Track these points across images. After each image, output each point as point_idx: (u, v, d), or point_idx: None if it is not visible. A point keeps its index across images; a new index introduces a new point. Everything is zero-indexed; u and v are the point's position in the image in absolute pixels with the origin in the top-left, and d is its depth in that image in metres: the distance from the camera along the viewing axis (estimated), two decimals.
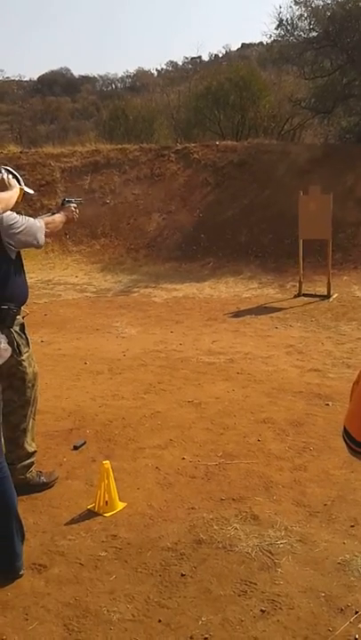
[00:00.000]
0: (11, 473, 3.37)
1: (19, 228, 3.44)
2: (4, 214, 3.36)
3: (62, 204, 4.12)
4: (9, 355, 3.22)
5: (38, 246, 3.64)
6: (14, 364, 3.56)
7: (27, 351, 3.65)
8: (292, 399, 5.34)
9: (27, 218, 3.56)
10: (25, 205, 14.70)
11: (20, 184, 3.62)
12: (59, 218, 3.95)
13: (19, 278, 3.56)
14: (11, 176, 3.55)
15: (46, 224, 3.70)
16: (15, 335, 3.56)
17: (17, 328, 3.59)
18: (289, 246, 11.89)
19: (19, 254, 3.55)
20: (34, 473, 3.78)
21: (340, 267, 11.15)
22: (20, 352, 3.58)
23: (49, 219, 3.84)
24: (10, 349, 3.25)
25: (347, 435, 1.49)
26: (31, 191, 3.84)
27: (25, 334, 3.67)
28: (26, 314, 3.75)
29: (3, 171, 3.55)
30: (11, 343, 3.51)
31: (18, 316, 3.59)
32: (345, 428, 1.50)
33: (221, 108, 19.07)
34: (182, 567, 2.99)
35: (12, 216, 3.42)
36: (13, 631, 2.60)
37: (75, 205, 4.15)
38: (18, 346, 3.57)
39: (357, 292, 10.12)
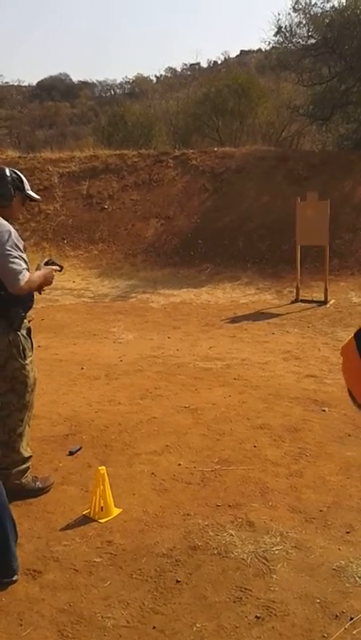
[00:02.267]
0: (6, 478, 3.38)
1: (7, 255, 3.37)
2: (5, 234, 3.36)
3: (46, 263, 3.83)
4: None
5: (10, 289, 3.40)
6: (18, 368, 3.57)
7: (30, 355, 3.66)
8: (288, 405, 5.34)
9: (21, 258, 3.44)
10: (23, 210, 14.72)
11: (25, 188, 3.64)
12: (37, 278, 3.58)
13: None
14: (14, 176, 3.57)
15: (29, 281, 3.46)
16: (21, 338, 3.57)
17: (24, 332, 3.60)
18: (286, 252, 11.92)
19: (25, 261, 3.55)
20: (29, 478, 3.78)
21: (337, 273, 11.17)
22: (24, 356, 3.59)
23: (33, 277, 3.53)
24: None
25: (351, 395, 1.64)
26: (37, 197, 3.85)
27: (30, 338, 3.68)
28: (31, 318, 3.77)
29: (7, 172, 3.56)
30: (16, 346, 3.52)
31: (25, 320, 3.61)
32: (349, 390, 1.66)
33: (220, 115, 19.13)
34: (177, 573, 2.98)
35: (9, 240, 3.40)
36: (8, 637, 2.59)
37: (57, 269, 3.87)
38: (23, 350, 3.58)
39: (354, 297, 10.13)
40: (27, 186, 3.66)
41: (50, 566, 3.06)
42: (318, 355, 7.00)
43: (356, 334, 1.56)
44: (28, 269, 3.45)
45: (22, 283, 3.37)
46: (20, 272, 3.37)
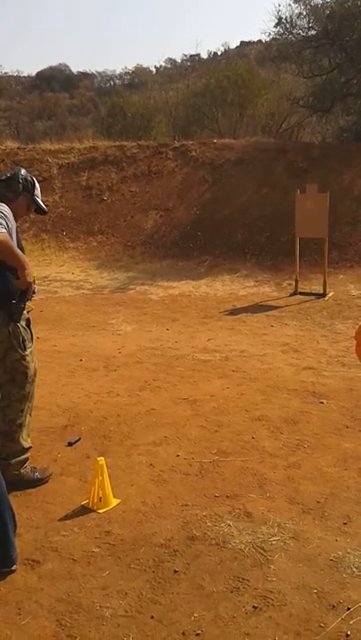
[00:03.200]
0: (5, 468, 3.39)
1: None
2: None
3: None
4: None
5: None
6: (18, 359, 3.58)
7: (30, 346, 3.67)
8: (286, 397, 5.35)
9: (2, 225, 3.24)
10: (27, 214, 14.68)
11: (34, 193, 3.68)
12: (20, 254, 3.37)
13: None
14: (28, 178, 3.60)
15: (5, 240, 3.19)
16: (21, 330, 3.58)
17: (23, 323, 3.61)
18: (285, 245, 11.92)
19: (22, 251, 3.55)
20: (28, 469, 3.79)
21: (336, 265, 11.17)
22: (24, 347, 3.60)
23: (13, 244, 3.30)
24: None
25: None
26: (44, 207, 3.86)
27: (30, 329, 3.69)
28: (31, 309, 3.77)
29: (23, 173, 3.60)
30: (16, 337, 3.53)
31: (24, 311, 3.62)
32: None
33: (219, 106, 19.10)
34: (175, 563, 2.99)
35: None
36: (6, 626, 2.60)
37: (34, 289, 3.58)
38: (23, 341, 3.59)
39: (353, 290, 10.14)
40: (37, 192, 3.71)
41: (48, 556, 3.08)
42: (317, 347, 7.01)
43: None
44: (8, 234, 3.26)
45: None
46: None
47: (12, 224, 3.42)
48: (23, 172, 3.66)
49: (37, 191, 3.72)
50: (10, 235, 3.31)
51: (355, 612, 2.63)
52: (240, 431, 4.61)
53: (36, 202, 3.73)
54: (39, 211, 3.82)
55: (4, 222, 3.26)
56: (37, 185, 3.73)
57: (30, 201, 3.68)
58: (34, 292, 3.58)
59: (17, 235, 3.54)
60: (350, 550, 3.07)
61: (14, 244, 3.32)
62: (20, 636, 2.55)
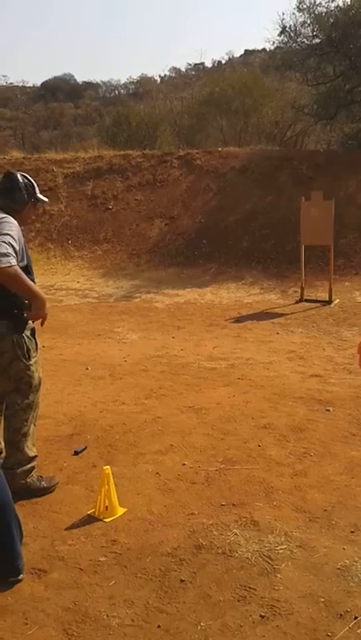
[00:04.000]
0: (11, 477, 3.39)
1: (5, 234, 3.26)
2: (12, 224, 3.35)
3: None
4: None
5: None
6: (22, 368, 3.58)
7: (35, 356, 3.68)
8: (293, 405, 5.34)
9: (12, 246, 3.24)
10: (33, 215, 14.74)
11: (36, 193, 3.67)
12: (32, 285, 3.38)
13: None
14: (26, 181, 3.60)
15: (18, 273, 3.22)
16: (26, 339, 3.59)
17: (28, 332, 3.61)
18: (291, 252, 11.92)
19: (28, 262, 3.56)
20: (34, 478, 3.79)
21: (341, 272, 11.17)
22: (29, 357, 3.60)
23: (25, 277, 3.31)
24: None
25: None
26: (45, 199, 3.87)
27: (35, 339, 3.69)
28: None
29: (20, 178, 3.60)
30: (21, 347, 3.53)
31: (29, 321, 3.61)
32: None
33: (224, 115, 19.15)
34: (182, 572, 2.98)
35: (14, 229, 3.37)
36: (13, 636, 2.60)
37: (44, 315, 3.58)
38: (27, 350, 3.59)
39: (359, 297, 10.13)
40: (37, 190, 3.70)
41: (55, 565, 3.07)
42: (323, 354, 7.00)
43: None
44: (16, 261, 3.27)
45: (4, 264, 3.15)
46: (7, 255, 3.18)
47: (22, 241, 3.43)
48: (19, 176, 3.59)
49: (36, 188, 3.69)
50: (19, 255, 3.33)
51: None
52: (246, 439, 4.60)
53: (40, 199, 3.71)
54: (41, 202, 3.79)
55: (11, 251, 3.20)
56: (33, 181, 3.68)
57: (35, 202, 3.67)
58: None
59: (26, 250, 3.54)
60: (358, 559, 3.05)
61: (25, 277, 3.29)
62: None
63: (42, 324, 3.61)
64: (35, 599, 2.82)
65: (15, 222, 3.41)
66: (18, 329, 3.54)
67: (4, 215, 3.38)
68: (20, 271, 3.24)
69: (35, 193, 3.65)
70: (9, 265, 3.15)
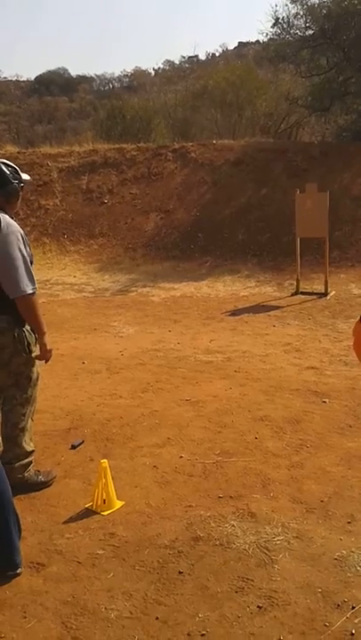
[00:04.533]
0: (9, 472, 3.38)
1: (10, 247, 3.34)
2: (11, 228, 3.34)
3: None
4: None
5: (14, 291, 3.37)
6: (23, 363, 3.59)
7: (35, 350, 3.68)
8: (289, 397, 5.35)
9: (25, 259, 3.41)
10: (22, 205, 14.71)
11: (21, 176, 3.61)
12: (42, 320, 3.59)
13: None
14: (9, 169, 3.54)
15: (35, 302, 3.48)
16: (26, 334, 3.59)
17: (28, 327, 3.61)
18: (286, 245, 11.92)
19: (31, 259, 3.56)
20: (32, 472, 3.80)
21: (337, 264, 11.18)
22: (29, 351, 3.61)
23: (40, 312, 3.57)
24: None
25: None
26: (28, 177, 3.80)
27: (34, 333, 3.69)
28: None
29: (5, 168, 3.53)
30: (21, 342, 3.53)
31: None
32: None
33: (218, 107, 19.08)
34: (180, 564, 3.00)
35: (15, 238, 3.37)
36: (12, 629, 2.61)
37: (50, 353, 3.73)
38: (28, 345, 3.59)
39: (355, 289, 10.14)
40: (19, 170, 3.63)
41: (53, 559, 3.09)
42: (319, 346, 7.01)
43: None
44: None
45: (29, 291, 3.37)
46: (33, 281, 3.43)
47: (25, 239, 3.45)
48: (3, 167, 3.50)
49: (19, 171, 3.62)
50: (25, 254, 3.36)
51: (359, 610, 2.64)
52: (243, 432, 4.61)
53: (27, 182, 3.68)
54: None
55: (32, 277, 3.43)
56: (14, 165, 3.61)
57: (23, 187, 3.63)
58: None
59: (28, 245, 3.54)
60: (355, 549, 3.07)
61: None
62: (26, 638, 2.55)
63: (47, 361, 3.74)
64: (33, 593, 2.84)
65: (17, 227, 3.40)
66: (18, 323, 3.54)
67: (6, 223, 3.34)
68: (38, 301, 3.47)
69: (21, 178, 3.60)
70: (33, 292, 3.39)
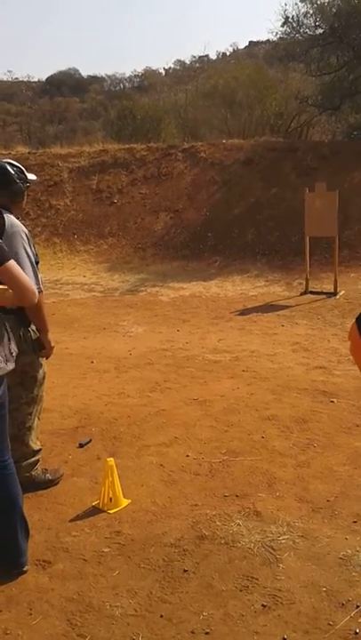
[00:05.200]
0: (16, 471, 3.41)
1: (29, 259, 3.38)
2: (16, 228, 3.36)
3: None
4: (10, 368, 2.91)
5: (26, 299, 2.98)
6: (28, 362, 3.60)
7: (40, 350, 3.70)
8: (297, 396, 5.35)
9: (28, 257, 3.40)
10: (33, 206, 14.80)
11: (26, 176, 3.62)
12: (46, 319, 3.63)
13: None
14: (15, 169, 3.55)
15: (42, 305, 3.49)
16: (32, 333, 3.61)
17: (34, 327, 3.63)
18: (296, 244, 11.90)
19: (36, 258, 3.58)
20: (39, 470, 3.82)
21: (347, 264, 11.14)
22: (34, 350, 3.63)
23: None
24: (12, 361, 2.97)
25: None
26: (34, 177, 3.82)
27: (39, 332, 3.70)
28: None
29: (10, 169, 3.54)
30: (27, 342, 3.56)
31: None
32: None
33: (228, 107, 19.07)
34: (185, 563, 3.01)
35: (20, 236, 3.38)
36: (18, 626, 2.63)
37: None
38: (33, 344, 3.61)
39: None
40: (26, 173, 3.64)
41: (59, 556, 3.11)
42: (328, 346, 7.00)
43: (357, 318, 1.94)
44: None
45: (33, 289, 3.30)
46: (39, 281, 3.44)
47: (30, 238, 3.46)
48: (8, 167, 3.48)
49: (25, 171, 3.61)
50: (30, 253, 3.38)
51: None
52: (250, 431, 4.62)
53: (32, 182, 3.69)
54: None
55: (37, 276, 3.42)
56: (20, 165, 3.60)
57: (28, 187, 3.64)
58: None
59: (33, 244, 3.56)
60: (360, 548, 3.07)
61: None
62: (31, 635, 2.57)
63: (47, 357, 3.80)
64: (39, 590, 2.86)
65: (21, 226, 3.41)
66: (24, 323, 3.56)
67: (10, 223, 3.36)
68: (43, 301, 3.50)
69: (26, 177, 3.60)
70: (39, 290, 3.38)
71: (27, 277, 2.85)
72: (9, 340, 2.86)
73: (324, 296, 9.73)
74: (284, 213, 13.13)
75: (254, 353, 6.80)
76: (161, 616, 2.65)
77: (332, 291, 9.82)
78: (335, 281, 9.86)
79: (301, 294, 10.10)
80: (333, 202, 9.61)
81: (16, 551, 2.96)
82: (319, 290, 10.12)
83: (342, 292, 9.84)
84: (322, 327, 7.92)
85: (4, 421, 2.96)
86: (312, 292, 10.04)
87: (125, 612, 2.69)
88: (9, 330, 2.88)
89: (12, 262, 2.73)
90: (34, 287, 2.88)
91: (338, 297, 9.61)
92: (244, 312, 9.09)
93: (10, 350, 2.85)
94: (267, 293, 10.47)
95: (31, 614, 2.70)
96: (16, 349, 2.98)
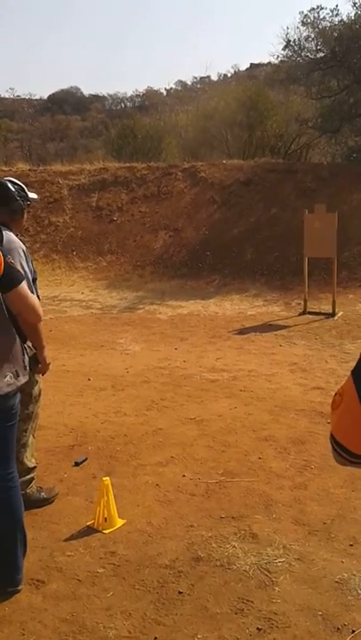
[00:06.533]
0: None
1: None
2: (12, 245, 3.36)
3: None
4: (8, 390, 2.95)
5: (36, 317, 3.12)
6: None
7: (36, 367, 3.68)
8: (294, 417, 5.34)
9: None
10: (32, 222, 14.84)
11: (27, 194, 3.64)
12: (43, 337, 3.54)
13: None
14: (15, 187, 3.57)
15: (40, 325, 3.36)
16: (27, 350, 3.60)
17: (29, 343, 3.62)
18: (294, 264, 11.93)
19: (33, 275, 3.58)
20: (34, 488, 3.80)
21: (345, 285, 11.17)
22: (30, 367, 3.61)
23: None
24: (13, 385, 3.01)
25: (338, 446, 1.42)
26: (35, 196, 3.84)
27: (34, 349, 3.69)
28: None
29: (11, 186, 3.56)
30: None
31: None
32: (335, 439, 1.37)
33: (229, 128, 19.22)
34: (180, 585, 2.99)
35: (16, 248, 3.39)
36: None
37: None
38: (29, 361, 3.59)
39: None
40: (27, 191, 3.67)
41: (53, 576, 3.08)
42: (325, 367, 6.99)
43: (353, 371, 1.33)
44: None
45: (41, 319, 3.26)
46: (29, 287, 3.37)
47: (29, 258, 3.47)
48: (9, 185, 3.51)
49: (26, 189, 3.64)
50: (27, 270, 3.38)
51: (359, 634, 2.61)
52: (247, 451, 4.60)
53: (32, 200, 3.70)
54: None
55: (34, 291, 3.36)
56: (21, 183, 3.62)
57: (29, 205, 3.66)
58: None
59: (31, 262, 3.57)
60: (356, 572, 3.05)
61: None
62: None
63: (43, 374, 3.78)
64: (32, 610, 2.83)
65: (19, 243, 3.41)
66: (20, 339, 3.55)
67: (7, 239, 3.36)
68: (41, 323, 3.41)
69: (27, 195, 3.63)
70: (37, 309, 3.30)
71: (36, 299, 2.90)
72: (23, 353, 2.90)
73: (323, 317, 9.74)
74: (283, 234, 13.19)
75: (252, 373, 6.80)
76: (155, 638, 2.63)
77: (331, 311, 9.83)
78: (333, 302, 9.88)
79: (300, 314, 10.11)
80: (333, 223, 9.66)
81: (13, 567, 2.94)
82: (317, 310, 10.13)
83: (340, 313, 9.85)
84: (320, 348, 7.92)
85: (13, 432, 2.96)
86: (310, 313, 10.05)
87: (119, 633, 2.66)
88: (21, 344, 2.92)
89: (23, 284, 2.80)
90: (39, 307, 2.91)
91: (336, 318, 9.62)
92: (242, 331, 9.09)
93: (24, 363, 2.88)
94: (265, 313, 10.48)
95: (24, 634, 2.67)
96: (11, 381, 2.99)
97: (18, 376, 2.86)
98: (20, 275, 2.85)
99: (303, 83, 16.95)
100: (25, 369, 2.92)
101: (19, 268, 3.33)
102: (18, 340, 2.91)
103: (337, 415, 1.38)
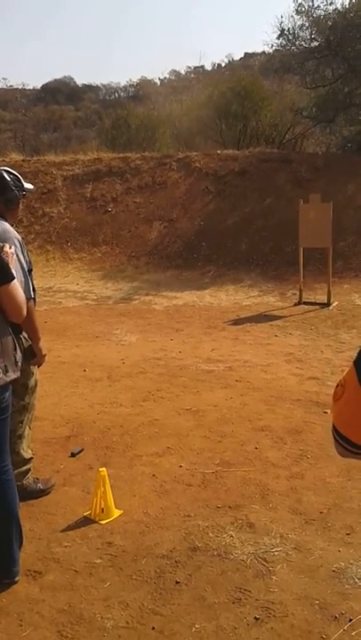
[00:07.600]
0: None
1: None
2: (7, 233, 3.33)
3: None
4: (13, 377, 2.95)
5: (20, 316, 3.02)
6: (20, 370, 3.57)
7: (31, 358, 3.67)
8: (290, 407, 5.34)
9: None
10: (26, 213, 14.78)
11: (22, 184, 3.62)
12: (38, 327, 3.62)
13: None
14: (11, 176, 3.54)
15: (33, 313, 3.44)
16: (24, 341, 3.58)
17: (25, 334, 3.61)
18: (289, 254, 11.93)
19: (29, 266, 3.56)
20: (30, 479, 3.79)
21: (340, 275, 11.17)
22: (26, 358, 3.60)
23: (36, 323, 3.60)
24: (1, 381, 2.93)
25: (340, 436, 1.37)
26: (31, 186, 3.82)
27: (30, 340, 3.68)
28: None
29: (7, 176, 3.54)
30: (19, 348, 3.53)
31: None
32: (337, 430, 1.37)
33: (223, 118, 19.13)
34: (177, 575, 2.99)
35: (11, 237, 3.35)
36: (8, 637, 2.60)
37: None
38: (24, 352, 3.58)
39: (358, 300, 10.13)
40: (23, 181, 3.64)
41: (50, 567, 3.08)
42: (321, 357, 7.00)
43: (355, 362, 1.33)
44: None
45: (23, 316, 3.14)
46: (31, 289, 3.45)
47: (23, 245, 3.44)
48: (5, 174, 3.49)
49: (22, 180, 3.62)
50: (22, 260, 3.35)
51: (357, 623, 2.62)
52: (243, 441, 4.60)
53: (28, 191, 3.68)
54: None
55: (30, 284, 3.40)
56: (17, 174, 3.61)
57: (24, 195, 3.64)
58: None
59: (26, 252, 3.54)
60: (353, 561, 3.05)
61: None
62: None
63: (39, 366, 3.79)
64: (30, 601, 2.83)
65: (14, 233, 3.39)
66: (15, 331, 3.53)
67: (2, 230, 3.33)
68: (34, 310, 3.47)
69: (23, 186, 3.61)
70: (30, 299, 3.38)
71: (23, 297, 2.91)
72: (14, 348, 2.89)
73: (318, 307, 9.75)
74: (277, 224, 13.17)
75: (248, 363, 6.80)
76: (153, 628, 2.63)
77: (326, 301, 9.84)
78: (329, 292, 9.88)
79: (295, 305, 10.11)
80: (327, 213, 9.65)
81: (9, 559, 2.93)
82: (313, 300, 10.14)
83: (336, 302, 9.86)
84: (315, 338, 7.92)
85: (5, 425, 2.95)
86: (306, 303, 10.05)
87: (117, 623, 2.66)
88: (14, 338, 2.92)
89: (14, 282, 2.85)
90: (24, 307, 2.94)
91: (331, 308, 9.62)
92: (237, 322, 9.08)
93: (15, 359, 2.87)
94: (260, 303, 10.48)
95: (21, 625, 2.67)
96: (21, 357, 3.00)
97: (7, 372, 2.85)
98: (11, 274, 2.85)
99: (298, 72, 16.89)
100: (16, 365, 2.90)
101: (14, 262, 3.31)
102: (9, 334, 2.89)
103: (339, 406, 1.38)
